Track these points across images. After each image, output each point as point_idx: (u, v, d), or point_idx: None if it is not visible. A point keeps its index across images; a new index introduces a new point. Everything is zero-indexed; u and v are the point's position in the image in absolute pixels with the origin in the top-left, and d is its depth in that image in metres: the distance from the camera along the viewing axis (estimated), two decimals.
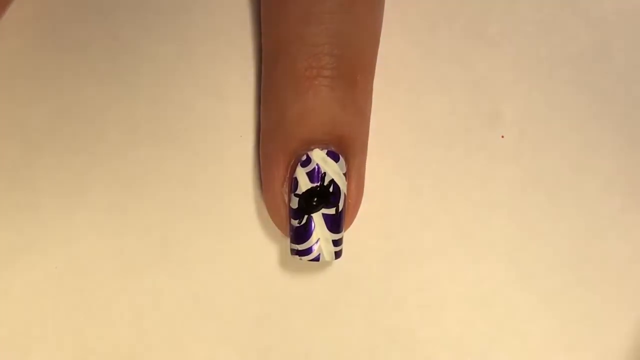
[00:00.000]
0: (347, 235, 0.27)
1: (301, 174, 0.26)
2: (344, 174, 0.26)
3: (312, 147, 0.26)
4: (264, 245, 0.28)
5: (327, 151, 0.26)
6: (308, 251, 0.26)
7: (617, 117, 0.29)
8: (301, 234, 0.26)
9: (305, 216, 0.26)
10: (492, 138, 0.29)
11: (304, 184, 0.26)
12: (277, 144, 0.26)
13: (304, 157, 0.26)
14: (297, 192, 0.26)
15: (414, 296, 0.28)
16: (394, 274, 0.28)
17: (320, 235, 0.26)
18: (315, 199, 0.26)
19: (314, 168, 0.26)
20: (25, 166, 0.28)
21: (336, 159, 0.26)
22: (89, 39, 0.28)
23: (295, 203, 0.26)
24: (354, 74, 0.26)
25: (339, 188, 0.26)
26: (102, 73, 0.28)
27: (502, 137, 0.29)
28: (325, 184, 0.26)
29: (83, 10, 0.28)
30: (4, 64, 0.28)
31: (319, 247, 0.26)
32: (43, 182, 0.28)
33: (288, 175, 0.26)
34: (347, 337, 0.28)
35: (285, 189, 0.26)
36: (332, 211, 0.26)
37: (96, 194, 0.28)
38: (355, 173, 0.27)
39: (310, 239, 0.26)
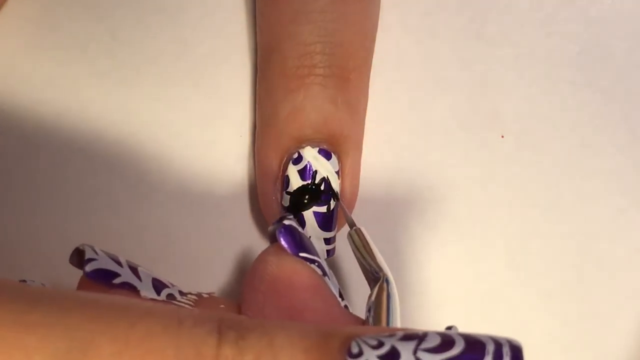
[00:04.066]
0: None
1: (292, 171, 0.26)
2: (337, 172, 0.26)
3: (304, 145, 0.26)
4: (262, 245, 0.28)
5: (319, 149, 0.26)
6: None
7: (616, 117, 0.29)
8: None
9: (297, 214, 0.26)
10: (492, 138, 0.29)
11: (295, 182, 0.26)
12: (270, 141, 0.26)
13: (296, 155, 0.26)
14: (288, 190, 0.26)
15: (414, 296, 0.28)
16: (394, 275, 0.28)
17: (311, 233, 0.25)
18: (307, 197, 0.25)
19: (305, 166, 0.26)
20: (26, 166, 0.28)
21: (328, 157, 0.26)
22: (88, 38, 0.28)
23: (286, 200, 0.26)
24: (347, 72, 0.26)
25: (330, 186, 0.26)
26: (102, 73, 0.28)
27: (502, 137, 0.29)
28: (317, 182, 0.26)
29: (83, 10, 0.28)
30: (4, 64, 0.28)
31: None
32: (43, 182, 0.28)
33: (281, 173, 0.26)
34: None
35: (278, 186, 0.26)
36: (323, 209, 0.26)
37: (96, 193, 0.28)
38: (349, 171, 0.26)
39: None
